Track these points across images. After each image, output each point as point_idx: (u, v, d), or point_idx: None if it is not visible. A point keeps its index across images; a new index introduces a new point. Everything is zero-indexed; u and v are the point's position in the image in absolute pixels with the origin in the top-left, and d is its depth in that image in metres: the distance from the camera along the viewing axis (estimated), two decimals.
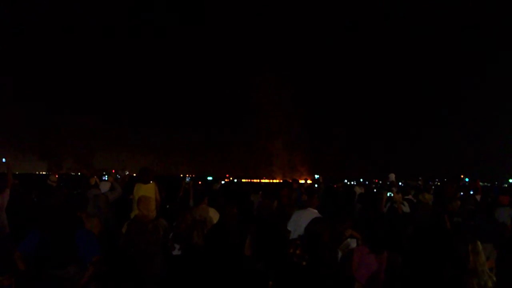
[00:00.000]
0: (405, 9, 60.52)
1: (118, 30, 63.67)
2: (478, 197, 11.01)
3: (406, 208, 8.77)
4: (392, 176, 11.80)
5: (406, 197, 10.40)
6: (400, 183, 17.49)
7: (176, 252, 6.44)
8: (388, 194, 8.75)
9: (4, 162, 7.39)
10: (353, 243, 5.71)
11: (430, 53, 68.38)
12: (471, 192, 13.01)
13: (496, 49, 63.39)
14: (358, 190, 11.99)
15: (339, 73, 67.02)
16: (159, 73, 72.69)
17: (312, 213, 6.30)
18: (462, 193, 13.35)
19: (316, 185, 17.79)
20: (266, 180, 55.78)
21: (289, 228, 6.40)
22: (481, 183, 15.45)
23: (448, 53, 67.19)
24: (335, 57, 67.68)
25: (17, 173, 24.81)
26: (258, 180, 54.15)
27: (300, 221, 6.15)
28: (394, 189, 9.57)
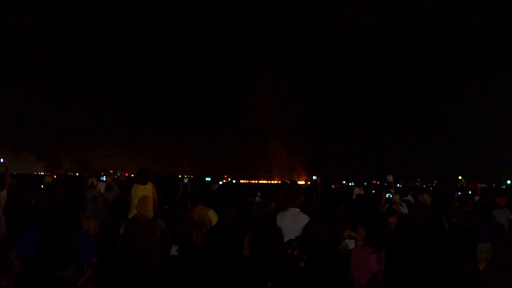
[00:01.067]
0: (403, 9, 60.52)
1: (116, 30, 63.61)
2: (476, 198, 11.04)
3: (404, 209, 8.79)
4: (390, 178, 11.83)
5: (405, 198, 10.43)
6: (398, 185, 17.51)
7: (173, 252, 6.45)
8: (387, 196, 8.76)
9: (1, 162, 7.36)
10: (351, 244, 5.72)
11: (427, 54, 68.49)
12: (469, 193, 13.04)
13: (494, 49, 63.49)
14: (358, 191, 12.00)
15: (337, 73, 67.01)
16: (156, 73, 72.64)
17: (294, 212, 6.33)
18: (459, 193, 13.37)
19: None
20: (264, 181, 55.71)
21: None
22: (479, 185, 15.46)
23: (445, 54, 67.30)
24: (333, 57, 67.68)
25: (15, 173, 24.71)
26: (256, 181, 54.13)
27: (284, 221, 6.14)
28: (392, 190, 9.59)
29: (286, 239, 5.78)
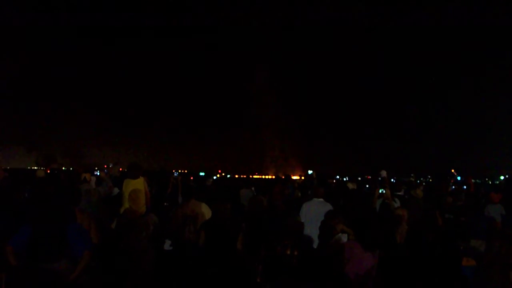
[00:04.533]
0: (401, 7, 60.66)
1: (112, 25, 63.39)
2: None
3: (397, 205, 8.80)
4: (384, 173, 11.81)
5: (398, 193, 10.44)
6: (392, 179, 17.53)
7: (167, 247, 6.44)
8: (380, 191, 8.77)
9: None
10: (344, 238, 5.72)
11: (422, 50, 68.64)
12: (464, 187, 13.11)
13: (488, 46, 63.80)
14: (351, 186, 12.01)
15: (332, 68, 67.17)
16: (149, 68, 72.54)
17: (318, 202, 6.95)
18: (453, 187, 13.43)
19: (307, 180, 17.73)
20: (257, 176, 55.63)
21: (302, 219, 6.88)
22: (473, 180, 15.54)
23: (439, 50, 67.52)
24: (328, 52, 67.69)
25: (8, 168, 24.55)
26: (251, 176, 53.99)
27: (310, 211, 6.81)
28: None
29: (312, 227, 6.15)
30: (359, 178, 24.35)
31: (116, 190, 9.27)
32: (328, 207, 6.80)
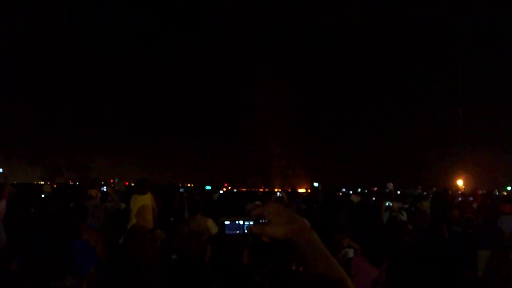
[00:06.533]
0: (403, 10, 60.68)
1: (116, 34, 63.80)
2: (475, 205, 11.05)
3: (404, 217, 8.77)
4: (391, 185, 11.78)
5: (405, 206, 10.41)
6: (398, 192, 17.50)
7: None
8: (387, 204, 8.74)
9: (0, 172, 7.35)
10: (350, 253, 5.70)
11: (428, 57, 68.63)
12: (471, 199, 13.04)
13: (490, 49, 63.67)
14: (355, 199, 11.99)
15: (340, 80, 67.19)
16: (155, 80, 72.93)
17: None
18: (460, 199, 13.38)
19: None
20: (264, 190, 55.38)
21: None
22: (479, 191, 15.48)
23: (444, 56, 67.55)
24: (336, 59, 67.57)
25: (15, 182, 24.63)
26: (255, 189, 53.81)
27: None
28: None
29: None
30: (366, 191, 24.22)
31: (122, 205, 9.30)
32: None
